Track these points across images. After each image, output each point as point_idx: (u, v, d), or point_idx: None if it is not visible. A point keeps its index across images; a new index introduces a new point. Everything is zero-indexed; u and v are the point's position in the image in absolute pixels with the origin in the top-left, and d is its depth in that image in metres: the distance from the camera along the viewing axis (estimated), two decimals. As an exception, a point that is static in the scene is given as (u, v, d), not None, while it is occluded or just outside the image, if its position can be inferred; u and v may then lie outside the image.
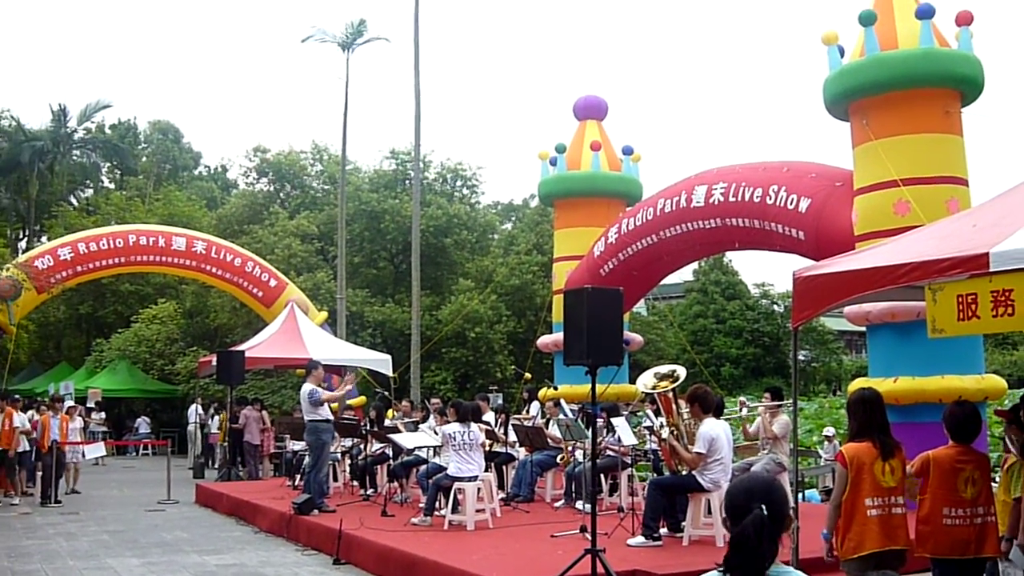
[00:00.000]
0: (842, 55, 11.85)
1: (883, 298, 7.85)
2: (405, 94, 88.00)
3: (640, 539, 8.93)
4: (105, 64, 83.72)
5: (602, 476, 11.81)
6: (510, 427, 13.33)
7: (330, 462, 13.50)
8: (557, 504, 12.13)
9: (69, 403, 19.40)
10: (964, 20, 11.44)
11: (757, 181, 13.13)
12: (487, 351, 28.76)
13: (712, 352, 36.80)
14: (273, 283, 23.19)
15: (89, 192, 45.10)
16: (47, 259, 20.97)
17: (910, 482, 5.68)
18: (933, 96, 11.22)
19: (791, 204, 12.55)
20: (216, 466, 21.96)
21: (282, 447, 18.87)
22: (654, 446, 11.67)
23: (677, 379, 9.40)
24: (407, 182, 33.88)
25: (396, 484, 12.91)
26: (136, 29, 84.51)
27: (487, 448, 12.06)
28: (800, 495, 10.95)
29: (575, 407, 13.91)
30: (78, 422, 18.68)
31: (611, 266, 15.84)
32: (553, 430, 12.67)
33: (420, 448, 12.21)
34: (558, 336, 13.75)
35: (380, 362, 19.67)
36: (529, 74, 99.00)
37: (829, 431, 16.88)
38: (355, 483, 14.15)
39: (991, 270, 5.24)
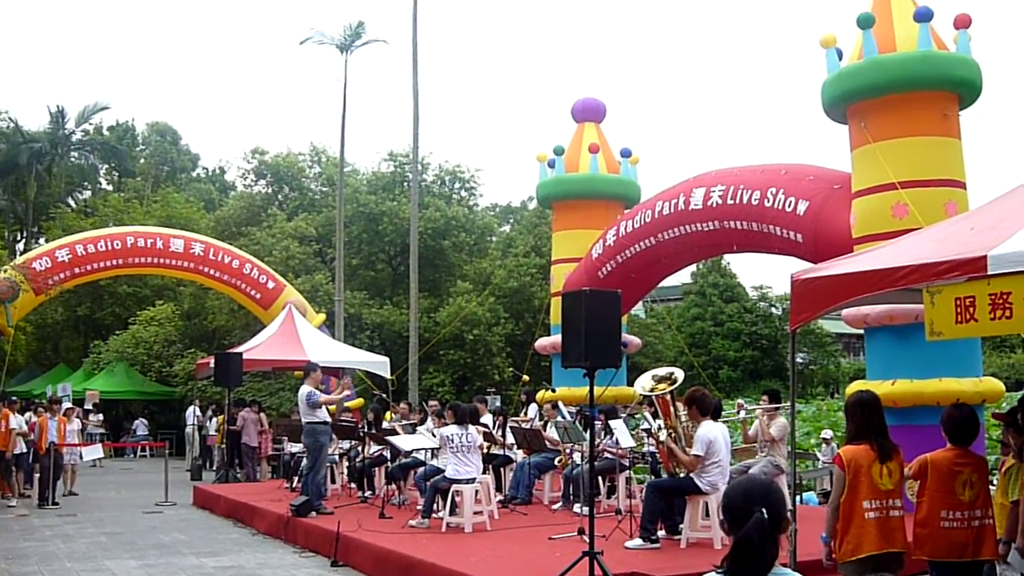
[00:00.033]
0: (840, 58, 11.87)
1: (881, 301, 7.85)
2: (403, 96, 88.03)
3: (638, 541, 8.92)
4: (103, 66, 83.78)
5: (600, 478, 11.80)
6: (508, 429, 13.33)
7: (328, 464, 13.49)
8: (555, 506, 12.13)
9: (67, 405, 19.36)
10: (962, 23, 11.46)
11: (755, 184, 13.14)
12: (485, 353, 28.75)
13: (710, 355, 36.78)
14: (271, 285, 23.18)
15: (87, 194, 45.02)
16: (45, 261, 20.95)
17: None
18: (931, 99, 11.23)
19: (789, 207, 12.56)
20: (214, 468, 21.93)
21: (280, 449, 18.87)
22: (652, 448, 11.68)
23: (675, 381, 9.41)
24: (405, 184, 33.87)
25: (394, 486, 12.90)
26: (134, 31, 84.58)
27: (485, 450, 12.06)
28: (798, 498, 10.94)
29: (573, 409, 13.91)
30: (76, 424, 18.65)
31: (609, 268, 15.84)
32: (551, 432, 12.66)
33: (418, 450, 12.21)
34: (556, 338, 13.77)
35: (378, 364, 19.68)
36: (527, 76, 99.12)
37: (827, 434, 16.87)
38: (353, 485, 14.14)
39: (989, 273, 5.24)
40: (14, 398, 17.77)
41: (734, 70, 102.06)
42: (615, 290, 8.30)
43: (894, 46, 11.29)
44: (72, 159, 42.85)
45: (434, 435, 12.16)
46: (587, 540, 7.54)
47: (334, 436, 13.79)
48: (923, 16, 11.15)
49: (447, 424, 11.23)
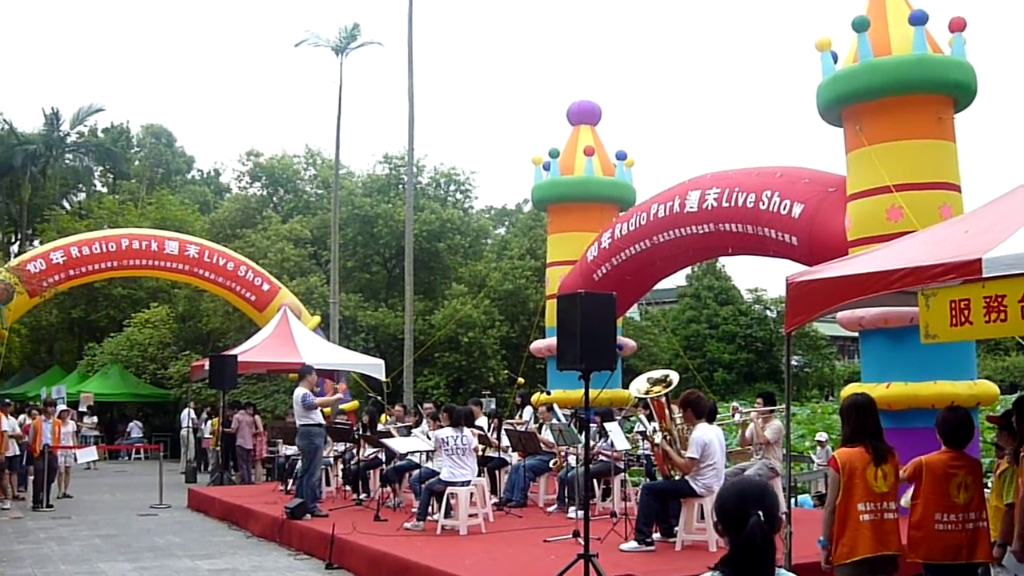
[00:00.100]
0: (835, 61, 11.89)
1: (876, 304, 7.86)
2: (398, 99, 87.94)
3: (633, 544, 8.92)
4: (98, 68, 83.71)
5: (595, 481, 11.79)
6: (503, 432, 13.32)
7: (323, 466, 13.47)
8: (550, 509, 12.11)
9: (61, 407, 19.34)
10: (957, 26, 11.49)
11: (750, 186, 13.15)
12: (480, 356, 28.75)
13: (705, 357, 36.83)
14: (266, 287, 23.17)
15: (82, 196, 44.98)
16: (39, 263, 20.93)
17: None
18: (926, 102, 11.25)
19: (784, 209, 12.57)
20: (208, 470, 21.90)
21: (275, 451, 18.83)
22: (647, 451, 11.67)
23: (670, 384, 9.41)
24: (400, 186, 33.88)
25: (389, 489, 12.89)
26: (129, 33, 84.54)
27: (480, 453, 12.05)
28: (793, 500, 10.95)
29: (568, 412, 13.91)
30: (70, 426, 18.63)
31: (604, 271, 15.84)
32: (546, 435, 12.66)
33: (413, 453, 12.20)
34: (551, 341, 13.76)
35: (373, 367, 19.68)
36: (523, 79, 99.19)
37: (822, 436, 16.90)
38: (348, 488, 14.11)
39: (984, 276, 5.25)
40: (8, 400, 17.73)
41: (730, 73, 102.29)
42: (610, 293, 8.29)
43: (889, 49, 11.31)
44: (67, 161, 42.82)
45: (429, 438, 12.14)
46: (582, 543, 7.53)
47: (329, 438, 13.78)
48: (918, 19, 11.18)
49: (442, 427, 11.22)
